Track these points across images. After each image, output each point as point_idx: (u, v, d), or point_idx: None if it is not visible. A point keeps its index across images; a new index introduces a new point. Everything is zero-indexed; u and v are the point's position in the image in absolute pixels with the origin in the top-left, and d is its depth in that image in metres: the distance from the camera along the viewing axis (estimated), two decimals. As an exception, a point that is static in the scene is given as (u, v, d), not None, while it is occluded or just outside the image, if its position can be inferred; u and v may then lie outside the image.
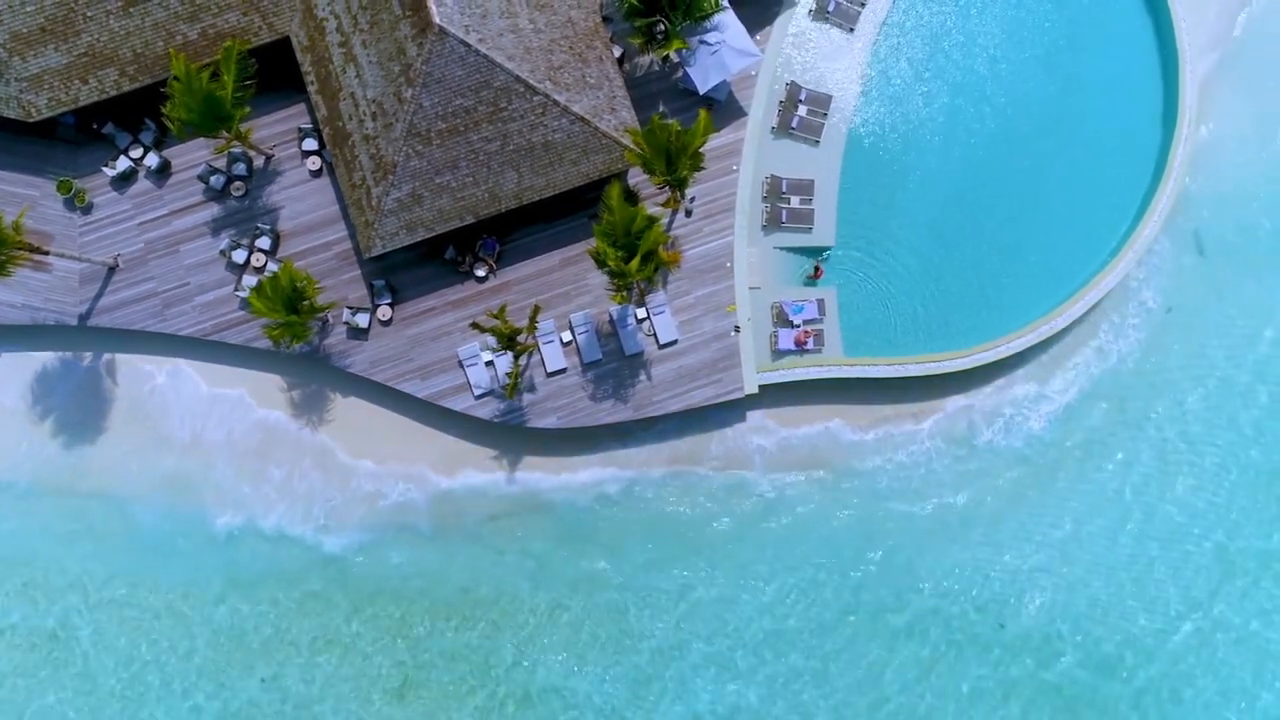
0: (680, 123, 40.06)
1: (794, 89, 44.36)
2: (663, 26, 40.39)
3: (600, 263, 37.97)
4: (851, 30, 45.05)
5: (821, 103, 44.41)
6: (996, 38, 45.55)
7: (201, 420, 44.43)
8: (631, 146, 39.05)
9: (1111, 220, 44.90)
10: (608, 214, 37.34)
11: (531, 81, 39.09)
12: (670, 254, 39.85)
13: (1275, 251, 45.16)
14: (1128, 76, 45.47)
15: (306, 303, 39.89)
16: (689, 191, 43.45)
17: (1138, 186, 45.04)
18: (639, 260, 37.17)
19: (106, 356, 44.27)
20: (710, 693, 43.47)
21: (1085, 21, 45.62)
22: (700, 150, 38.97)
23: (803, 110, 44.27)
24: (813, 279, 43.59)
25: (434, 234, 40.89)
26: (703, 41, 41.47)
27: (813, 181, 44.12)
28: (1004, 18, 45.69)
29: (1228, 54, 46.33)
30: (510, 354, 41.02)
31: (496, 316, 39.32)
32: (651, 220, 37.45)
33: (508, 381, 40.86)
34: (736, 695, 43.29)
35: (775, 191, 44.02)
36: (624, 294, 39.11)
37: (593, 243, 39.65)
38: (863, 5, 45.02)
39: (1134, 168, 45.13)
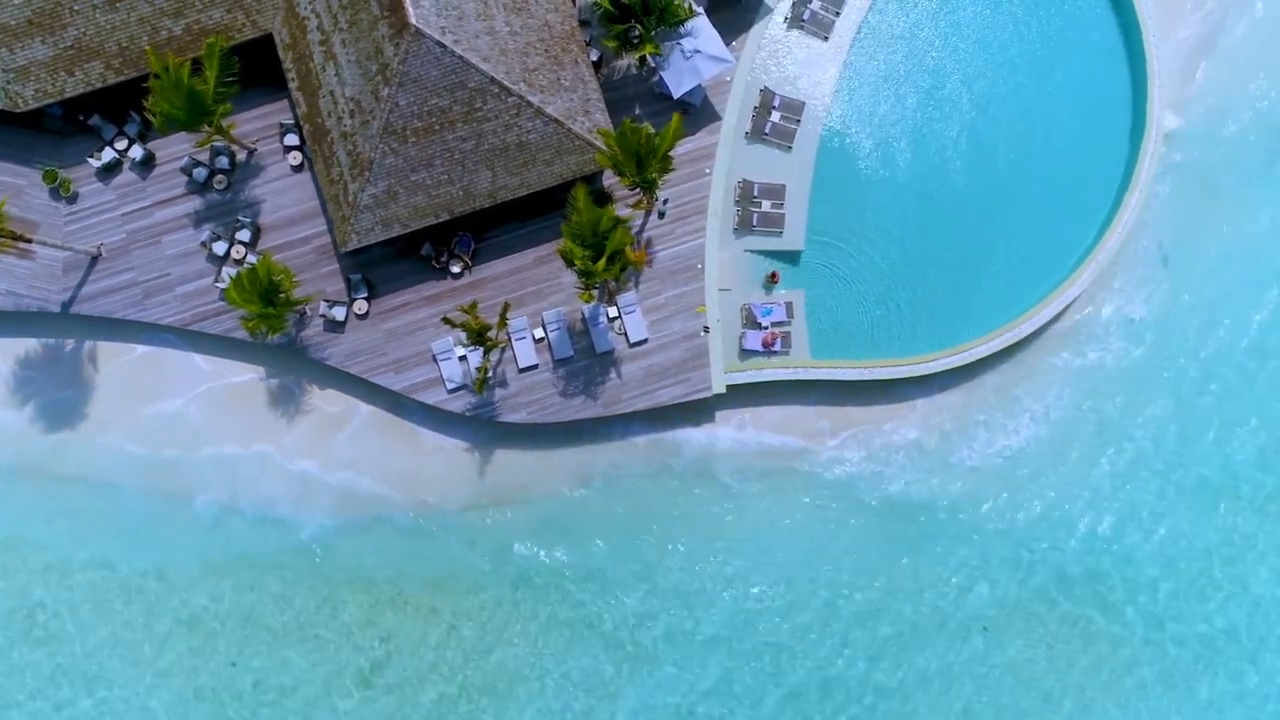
0: (654, 126, 40.95)
1: (768, 95, 45.17)
2: (637, 31, 41.17)
3: (569, 262, 38.79)
4: (826, 39, 45.86)
5: (795, 109, 45.22)
6: (970, 49, 46.41)
7: (181, 408, 45.18)
8: (602, 148, 39.86)
9: (1077, 231, 45.73)
10: (575, 214, 38.20)
11: (506, 83, 39.94)
12: (637, 254, 40.64)
13: (1233, 264, 45.97)
14: (1098, 91, 46.28)
15: (283, 295, 40.73)
16: (662, 194, 44.26)
17: (1104, 199, 45.80)
18: (605, 260, 37.98)
19: (89, 344, 45.11)
20: (669, 681, 44.23)
21: (1058, 36, 46.49)
22: (670, 154, 39.81)
23: (776, 116, 45.08)
24: (770, 283, 44.32)
25: (409, 230, 41.73)
26: (677, 47, 42.30)
27: (784, 186, 44.92)
28: (978, 29, 46.53)
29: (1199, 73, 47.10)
30: (481, 349, 41.78)
31: (467, 312, 40.15)
32: (618, 221, 38.31)
33: (477, 376, 41.65)
34: (691, 685, 44.15)
35: (747, 195, 44.83)
36: (592, 293, 39.91)
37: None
38: (837, 14, 45.81)
39: (1101, 181, 45.93)
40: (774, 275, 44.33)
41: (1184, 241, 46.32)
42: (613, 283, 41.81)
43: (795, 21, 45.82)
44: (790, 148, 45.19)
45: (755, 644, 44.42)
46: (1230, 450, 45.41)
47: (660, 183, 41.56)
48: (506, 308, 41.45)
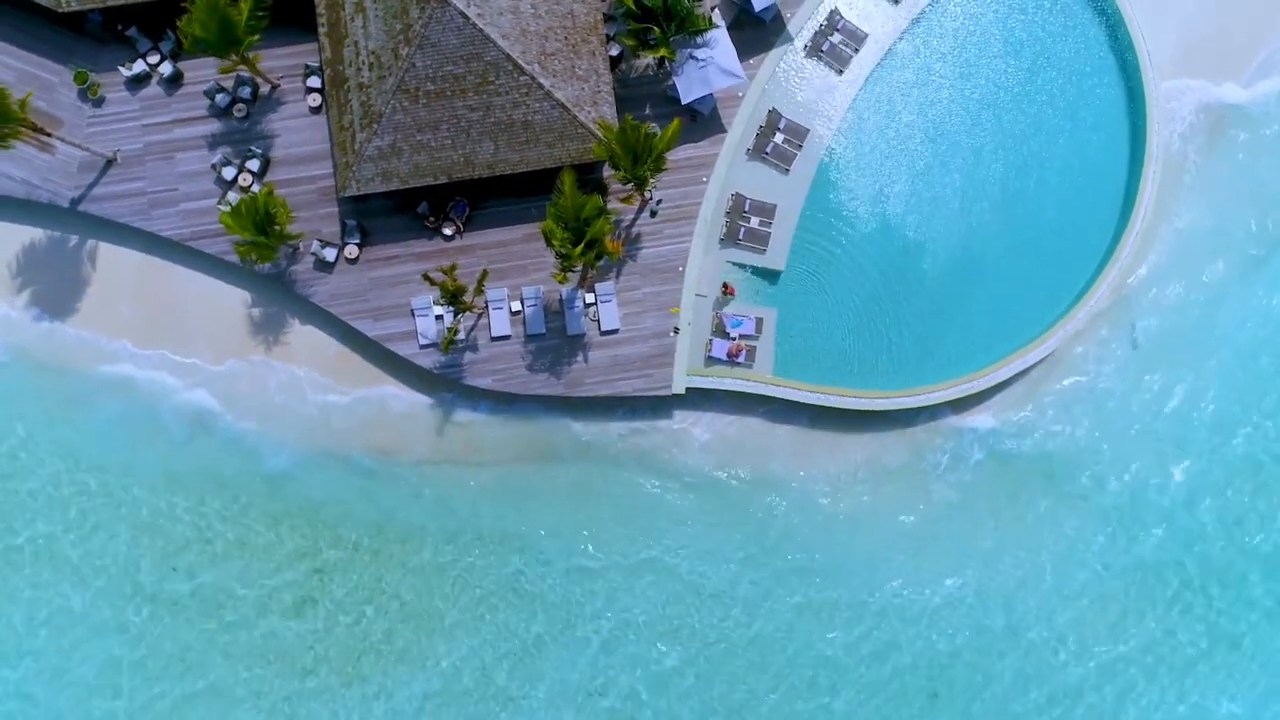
0: (660, 127, 42.47)
1: (774, 116, 46.48)
2: (655, 33, 42.57)
3: (548, 241, 40.29)
4: (841, 72, 47.10)
5: (798, 134, 46.52)
6: (977, 107, 47.51)
7: (169, 320, 46.92)
8: (601, 138, 41.31)
9: (1051, 297, 46.74)
10: (560, 198, 39.68)
11: (521, 62, 41.50)
12: (613, 244, 42.04)
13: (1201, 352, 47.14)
14: (1095, 168, 47.24)
15: (277, 228, 42.42)
16: (657, 194, 45.72)
17: (1083, 270, 46.81)
18: (583, 246, 39.44)
19: (90, 242, 46.94)
20: (590, 660, 45.77)
21: (1065, 103, 47.53)
22: (665, 155, 41.23)
23: (779, 138, 46.39)
24: (724, 295, 45.60)
25: (407, 186, 43.38)
26: (692, 55, 43.72)
27: (775, 206, 46.24)
28: (988, 92, 47.57)
29: (1201, 159, 48.07)
30: (454, 311, 43.33)
31: (446, 273, 41.69)
32: (600, 210, 39.75)
33: (445, 335, 43.23)
34: (603, 657, 46.01)
35: (738, 209, 46.17)
36: (567, 275, 41.38)
37: (552, 221, 41.97)
38: (856, 51, 47.04)
39: (1083, 251, 46.93)
40: (727, 287, 45.56)
41: (1157, 322, 47.25)
42: (588, 269, 43.20)
43: (814, 50, 47.09)
44: (788, 170, 46.49)
45: (657, 616, 46.06)
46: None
47: (653, 182, 43.00)
48: (484, 276, 42.97)
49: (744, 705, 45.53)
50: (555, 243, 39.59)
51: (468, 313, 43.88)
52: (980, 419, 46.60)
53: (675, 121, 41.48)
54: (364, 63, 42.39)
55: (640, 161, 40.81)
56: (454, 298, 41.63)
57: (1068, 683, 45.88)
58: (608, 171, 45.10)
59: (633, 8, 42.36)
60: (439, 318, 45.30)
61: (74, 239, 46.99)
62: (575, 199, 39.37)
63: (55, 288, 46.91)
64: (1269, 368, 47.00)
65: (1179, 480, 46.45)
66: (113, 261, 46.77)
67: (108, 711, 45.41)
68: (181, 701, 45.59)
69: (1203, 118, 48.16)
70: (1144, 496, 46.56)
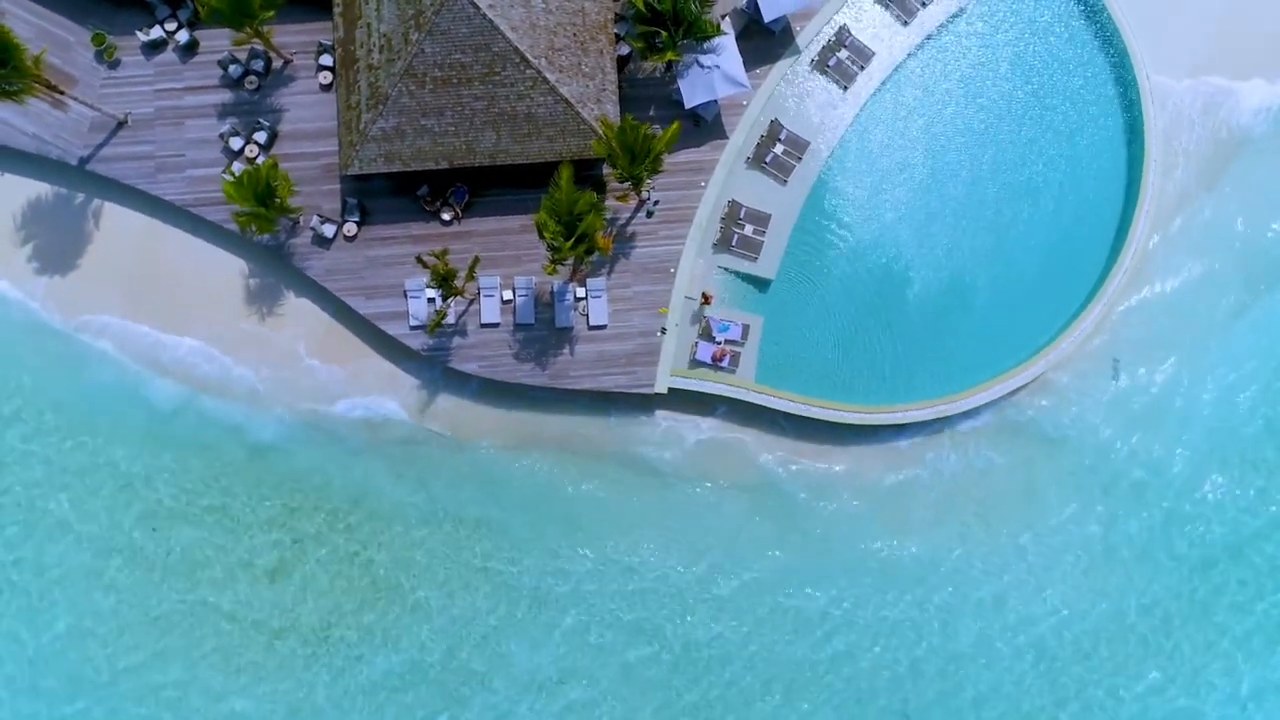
0: (656, 128, 43.03)
1: (776, 127, 47.03)
2: (662, 37, 43.15)
3: (540, 233, 40.92)
4: (846, 88, 47.62)
5: (799, 146, 47.06)
6: (978, 132, 48.03)
7: (166, 284, 47.60)
8: (600, 135, 41.92)
9: (1036, 329, 47.18)
10: (556, 191, 40.29)
11: (529, 56, 42.13)
12: (604, 240, 42.61)
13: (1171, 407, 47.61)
14: (1090, 195, 47.74)
15: (277, 201, 43.12)
16: (655, 194, 46.32)
17: (1071, 300, 47.27)
18: (574, 240, 40.06)
19: (95, 201, 47.72)
20: (554, 648, 46.42)
21: (1064, 133, 48.05)
22: (662, 157, 41.80)
23: (779, 149, 46.95)
24: (703, 304, 46.14)
25: (408, 169, 44.04)
26: (698, 60, 44.29)
27: (770, 216, 46.79)
28: (990, 116, 48.11)
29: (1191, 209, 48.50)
30: (442, 294, 43.96)
31: (438, 257, 42.33)
32: (593, 206, 40.35)
33: (433, 318, 43.89)
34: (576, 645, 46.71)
35: (733, 216, 46.74)
36: (557, 268, 41.99)
37: (548, 214, 42.57)
38: (862, 68, 47.56)
39: (1072, 282, 47.40)
40: (706, 296, 46.07)
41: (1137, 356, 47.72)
42: (578, 263, 43.81)
43: (821, 65, 47.63)
44: (786, 181, 47.03)
45: (623, 610, 46.74)
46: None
47: (649, 183, 43.56)
48: (476, 262, 43.61)
49: (702, 703, 46.04)
50: (547, 235, 40.24)
51: (458, 297, 44.49)
52: (957, 440, 47.05)
53: (675, 124, 42.09)
54: (375, 45, 43.07)
55: (637, 161, 41.41)
56: (444, 281, 42.28)
57: (1036, 702, 46.52)
58: (607, 169, 45.74)
59: (642, 10, 42.94)
60: (431, 300, 45.95)
61: (80, 197, 47.74)
62: (570, 193, 40.01)
63: (58, 243, 47.67)
64: (1250, 424, 47.51)
65: (1146, 517, 46.85)
66: (115, 222, 47.50)
67: (87, 656, 46.32)
68: (154, 657, 46.30)
69: (1203, 155, 48.57)
70: (1113, 540, 47.07)
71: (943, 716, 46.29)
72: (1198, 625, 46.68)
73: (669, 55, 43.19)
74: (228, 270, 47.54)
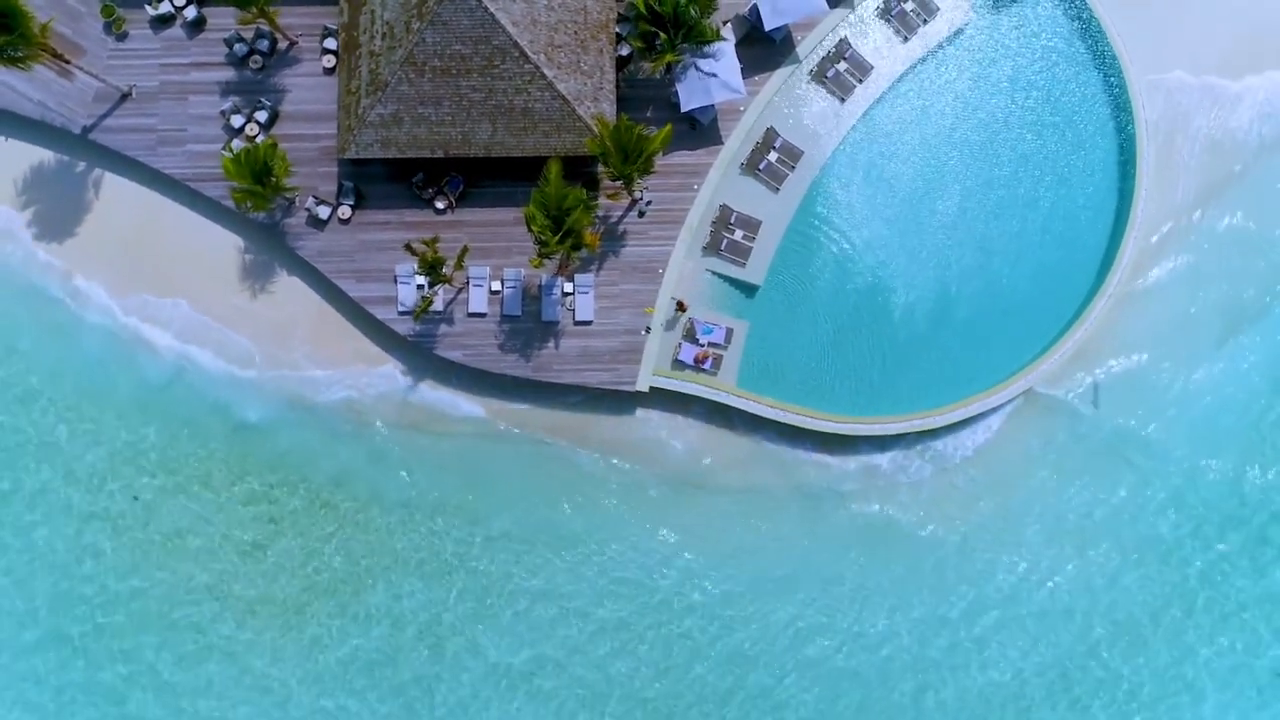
0: (652, 129, 43.50)
1: (772, 135, 47.42)
2: (661, 39, 43.56)
3: (529, 226, 41.38)
4: (843, 100, 48.00)
5: (793, 155, 47.45)
6: (972, 150, 48.40)
7: (160, 256, 48.12)
8: (595, 133, 42.37)
9: (1020, 346, 47.49)
10: (545, 185, 40.77)
11: (528, 51, 42.61)
12: (591, 236, 43.06)
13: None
14: (1080, 219, 48.01)
15: (273, 180, 43.66)
16: (648, 195, 46.74)
17: (1056, 321, 47.56)
18: (561, 235, 40.52)
19: (96, 171, 48.32)
20: (523, 637, 46.94)
21: (1058, 155, 48.37)
22: (653, 158, 42.23)
23: (773, 156, 47.34)
24: (678, 311, 46.54)
25: (405, 156, 44.55)
26: (696, 65, 44.70)
27: (761, 223, 47.19)
28: (984, 134, 48.51)
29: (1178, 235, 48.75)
30: (428, 281, 44.41)
31: (427, 244, 42.82)
32: (581, 203, 40.82)
33: (420, 304, 44.38)
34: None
35: (724, 221, 47.15)
36: (544, 261, 42.45)
37: (538, 207, 43.01)
38: (860, 81, 47.93)
39: (1058, 303, 47.70)
40: (681, 304, 46.46)
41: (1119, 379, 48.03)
42: (564, 257, 44.26)
43: (819, 76, 48.01)
44: (778, 189, 47.42)
45: (594, 604, 47.35)
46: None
47: (640, 183, 43.96)
48: (465, 252, 44.07)
49: (664, 695, 46.51)
50: (535, 228, 40.73)
51: (446, 286, 44.95)
52: (934, 456, 47.41)
53: (667, 126, 42.57)
54: (378, 31, 43.59)
55: (630, 161, 41.84)
56: (432, 269, 42.75)
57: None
58: (601, 167, 46.15)
59: (643, 11, 43.35)
60: (420, 287, 46.40)
61: (80, 165, 48.36)
62: (559, 188, 40.46)
63: (56, 211, 48.31)
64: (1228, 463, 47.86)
65: (1109, 549, 47.46)
66: (114, 192, 48.12)
67: (72, 616, 47.05)
68: (130, 621, 46.89)
69: (1195, 187, 48.87)
70: (1085, 578, 47.46)
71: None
72: (1166, 642, 47.22)
73: (667, 58, 43.62)
74: (223, 245, 48.11)
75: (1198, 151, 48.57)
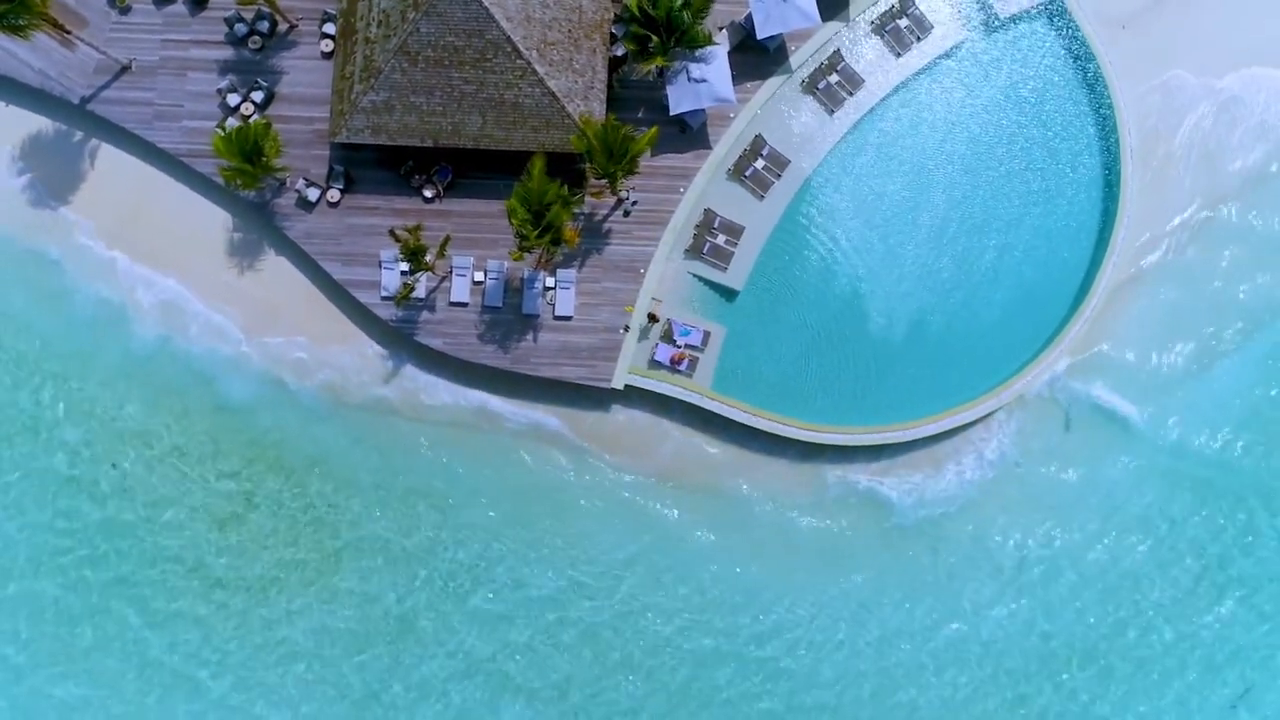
0: (636, 129, 43.99)
1: (760, 142, 47.87)
2: (653, 42, 44.04)
3: (510, 219, 41.91)
4: (832, 112, 48.41)
5: (779, 163, 47.89)
6: (958, 168, 48.78)
7: (149, 231, 48.70)
8: (581, 130, 42.87)
9: (994, 365, 47.85)
10: (527, 180, 41.29)
11: (520, 46, 43.12)
12: (570, 232, 43.52)
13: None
14: (1060, 242, 48.39)
15: (263, 159, 44.23)
16: (634, 195, 47.23)
17: (1032, 342, 47.92)
18: (540, 229, 41.04)
19: (92, 141, 48.96)
20: (486, 626, 47.50)
21: (1042, 178, 48.82)
22: (638, 159, 42.73)
23: (760, 164, 47.79)
24: (650, 322, 46.93)
25: (395, 144, 45.09)
26: (687, 69, 45.17)
27: (744, 228, 47.63)
28: (971, 153, 48.89)
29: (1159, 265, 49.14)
30: (411, 269, 44.95)
31: (410, 231, 43.36)
32: (561, 198, 41.34)
33: (401, 291, 44.92)
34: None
35: (708, 225, 47.61)
36: (523, 255, 42.96)
37: (523, 202, 43.49)
38: (850, 94, 48.35)
39: (1035, 324, 48.06)
40: (653, 315, 46.87)
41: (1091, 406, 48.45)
42: (545, 252, 44.76)
43: (811, 87, 48.45)
44: (763, 196, 47.87)
45: (552, 597, 47.82)
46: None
47: (624, 182, 44.44)
48: (447, 241, 44.60)
49: (615, 690, 47.17)
50: (515, 221, 41.24)
51: (429, 274, 45.47)
52: (899, 470, 47.87)
53: (653, 129, 43.08)
54: (374, 19, 44.14)
55: (614, 160, 42.34)
56: (414, 256, 43.28)
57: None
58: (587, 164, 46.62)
59: (637, 13, 43.84)
60: (404, 273, 46.92)
61: (78, 135, 49.00)
62: (542, 184, 40.98)
63: (51, 179, 48.96)
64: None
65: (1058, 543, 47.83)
66: (109, 164, 48.77)
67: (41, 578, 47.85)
68: (106, 586, 47.54)
69: (1180, 224, 49.30)
70: (1028, 572, 47.92)
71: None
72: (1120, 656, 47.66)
73: (658, 60, 44.09)
74: (214, 222, 48.73)
75: (1184, 163, 49.19)
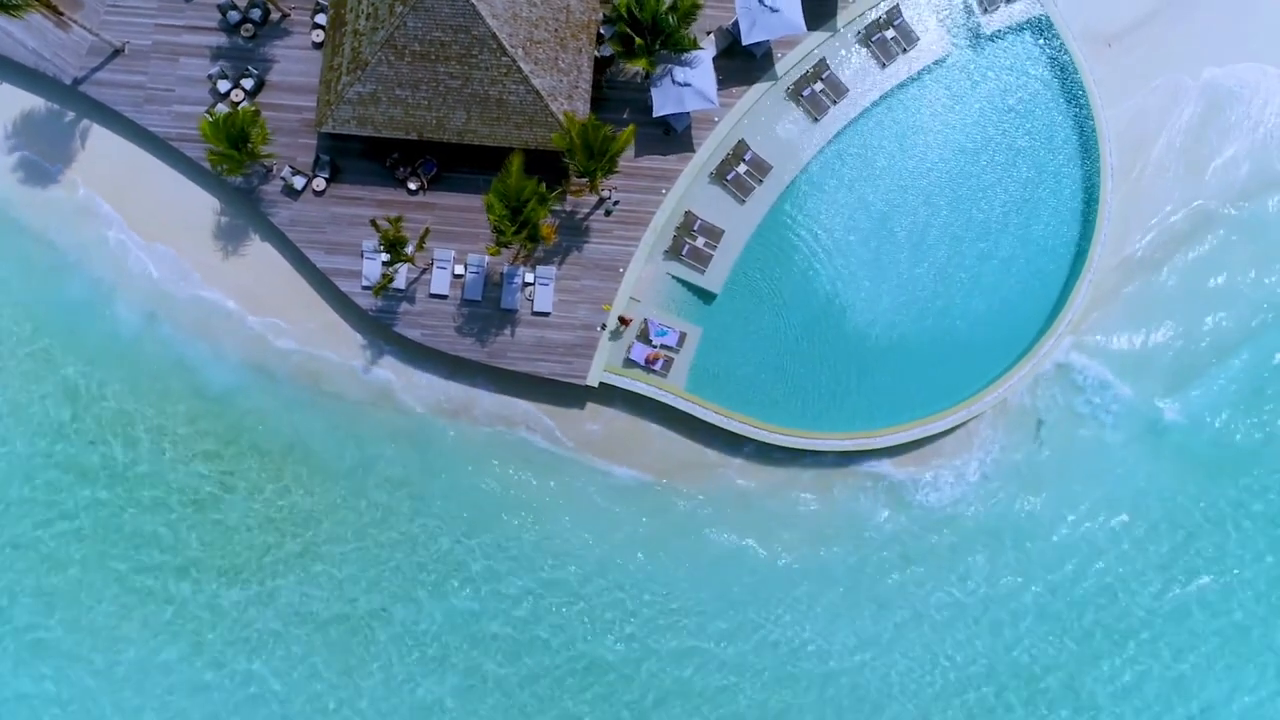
0: (616, 130, 44.43)
1: (742, 147, 48.28)
2: (638, 43, 44.45)
3: (487, 214, 42.37)
4: (816, 120, 48.80)
5: (762, 169, 48.30)
6: (939, 180, 49.18)
7: (138, 212, 49.26)
8: (563, 128, 43.31)
9: (968, 376, 48.21)
10: (506, 176, 41.75)
11: (506, 44, 43.57)
12: (547, 228, 43.96)
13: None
14: (1038, 257, 48.81)
15: (249, 146, 44.74)
16: (616, 195, 47.67)
17: (1006, 354, 48.29)
18: (517, 225, 41.49)
19: (84, 122, 49.52)
20: (458, 621, 47.96)
21: (1021, 193, 49.34)
22: (617, 158, 43.17)
23: (742, 168, 48.20)
24: (621, 326, 47.39)
25: (380, 135, 45.57)
26: (672, 72, 45.58)
27: (724, 232, 48.05)
28: (952, 165, 49.37)
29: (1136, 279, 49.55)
30: (390, 260, 45.41)
31: (391, 223, 43.84)
32: (538, 195, 41.77)
33: (379, 281, 45.40)
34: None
35: (688, 227, 48.04)
36: (500, 249, 43.42)
37: (503, 197, 43.92)
38: (834, 103, 48.73)
39: (1009, 337, 48.45)
40: (624, 319, 47.30)
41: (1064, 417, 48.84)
42: (522, 248, 45.22)
43: (795, 94, 48.84)
44: (744, 200, 48.28)
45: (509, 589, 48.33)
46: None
47: (605, 181, 44.82)
48: (426, 233, 45.09)
49: (580, 688, 47.68)
50: (493, 217, 41.68)
51: (409, 265, 45.94)
52: (867, 477, 48.30)
53: (630, 127, 43.51)
54: (363, 12, 44.62)
55: (594, 158, 42.77)
56: (393, 246, 43.75)
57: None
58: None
59: (623, 15, 44.25)
60: (385, 264, 47.36)
61: (69, 115, 49.56)
62: (519, 180, 41.43)
63: (41, 157, 49.50)
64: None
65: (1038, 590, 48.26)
66: (98, 146, 49.32)
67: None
68: (81, 565, 48.08)
69: (1154, 241, 49.69)
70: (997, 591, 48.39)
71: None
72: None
73: (642, 62, 44.51)
74: (201, 206, 49.28)
75: (1168, 171, 49.78)
